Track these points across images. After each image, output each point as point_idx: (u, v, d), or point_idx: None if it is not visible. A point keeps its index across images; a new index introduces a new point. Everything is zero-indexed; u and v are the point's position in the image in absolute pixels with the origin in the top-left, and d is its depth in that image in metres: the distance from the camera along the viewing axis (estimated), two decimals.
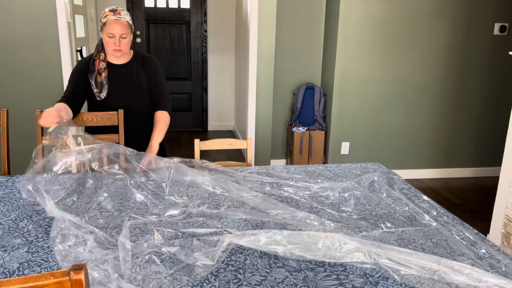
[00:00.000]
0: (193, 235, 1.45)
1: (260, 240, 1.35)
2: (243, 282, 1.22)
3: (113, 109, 2.29)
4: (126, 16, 2.18)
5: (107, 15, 2.16)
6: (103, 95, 2.25)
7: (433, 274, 1.23)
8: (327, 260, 1.31)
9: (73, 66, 3.68)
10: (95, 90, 2.25)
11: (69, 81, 2.26)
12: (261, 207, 1.70)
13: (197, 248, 1.36)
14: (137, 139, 2.33)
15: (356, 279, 1.24)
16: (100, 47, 2.27)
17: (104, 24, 2.16)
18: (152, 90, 2.37)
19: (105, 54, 2.27)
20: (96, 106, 2.33)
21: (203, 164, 2.14)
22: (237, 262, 1.31)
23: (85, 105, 2.40)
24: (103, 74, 2.23)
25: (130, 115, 2.31)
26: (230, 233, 1.46)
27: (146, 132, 2.32)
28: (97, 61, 2.24)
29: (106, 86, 2.24)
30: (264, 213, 1.65)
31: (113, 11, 2.16)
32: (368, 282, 1.23)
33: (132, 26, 2.24)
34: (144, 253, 1.32)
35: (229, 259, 1.33)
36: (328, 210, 1.71)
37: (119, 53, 2.22)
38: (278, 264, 1.30)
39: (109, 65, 2.28)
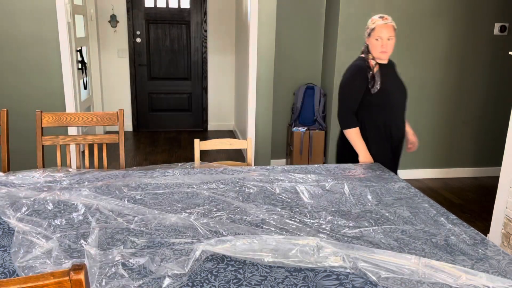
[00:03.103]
0: (165, 244, 1.40)
1: (235, 247, 1.31)
2: (243, 282, 1.22)
3: (382, 103, 2.43)
4: (392, 22, 2.39)
5: (375, 21, 2.39)
6: (376, 87, 2.39)
7: (414, 275, 1.23)
8: (304, 265, 1.28)
9: (73, 66, 3.69)
10: (370, 85, 2.40)
11: (354, 90, 2.42)
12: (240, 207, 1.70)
13: (168, 257, 1.30)
14: (398, 126, 2.51)
15: (356, 279, 1.24)
16: (368, 50, 2.45)
17: (373, 29, 2.38)
18: None
19: (373, 57, 2.44)
20: (369, 100, 2.42)
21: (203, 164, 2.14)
22: (237, 262, 1.31)
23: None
24: (375, 69, 2.41)
25: (396, 109, 2.49)
26: (203, 241, 1.39)
27: (404, 120, 2.57)
28: (370, 60, 2.43)
29: (378, 80, 2.40)
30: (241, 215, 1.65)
31: (381, 17, 2.39)
32: (368, 282, 1.23)
33: (396, 31, 2.42)
34: (110, 264, 1.26)
35: (228, 259, 1.33)
36: (329, 209, 1.71)
37: (385, 54, 2.40)
38: (278, 264, 1.30)
39: (378, 65, 2.45)
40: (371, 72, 2.40)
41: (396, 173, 2.56)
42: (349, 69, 2.49)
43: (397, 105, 2.48)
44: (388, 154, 2.50)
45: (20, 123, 3.52)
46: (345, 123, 2.44)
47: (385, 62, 2.46)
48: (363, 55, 2.47)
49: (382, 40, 2.36)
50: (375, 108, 2.43)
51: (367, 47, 2.44)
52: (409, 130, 2.68)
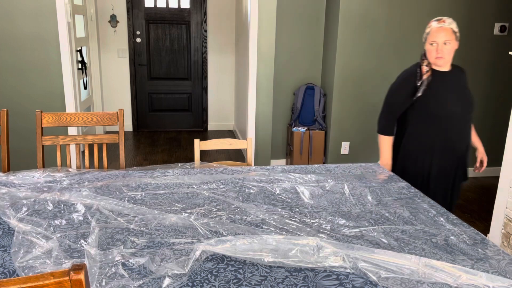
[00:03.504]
0: (165, 244, 1.40)
1: (235, 247, 1.31)
2: (243, 282, 1.22)
3: (432, 113, 2.23)
4: (451, 24, 2.19)
5: (430, 25, 2.21)
6: (418, 93, 2.22)
7: (414, 275, 1.23)
8: (304, 265, 1.28)
9: (73, 66, 3.69)
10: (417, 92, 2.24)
11: (397, 98, 2.30)
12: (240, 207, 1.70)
13: (168, 257, 1.31)
14: (453, 141, 2.28)
15: (356, 279, 1.24)
16: (424, 56, 2.28)
17: (428, 33, 2.21)
18: None
19: (428, 63, 2.26)
20: (417, 109, 2.27)
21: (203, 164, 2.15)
22: (237, 262, 1.31)
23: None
24: (424, 76, 2.22)
25: (451, 121, 2.26)
26: (203, 241, 1.40)
27: (465, 135, 2.32)
28: (423, 66, 2.25)
29: (421, 88, 2.22)
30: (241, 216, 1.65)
31: (438, 20, 2.21)
32: (368, 282, 1.23)
33: (457, 34, 2.20)
34: (110, 264, 1.27)
35: (228, 259, 1.33)
36: (329, 209, 1.72)
37: (441, 60, 2.19)
38: (278, 264, 1.30)
39: (433, 72, 2.25)
40: (420, 80, 2.22)
41: (452, 200, 2.36)
42: (400, 74, 2.36)
43: (452, 117, 2.23)
44: (434, 171, 2.28)
45: (20, 123, 3.52)
46: (380, 128, 2.37)
47: (445, 69, 2.25)
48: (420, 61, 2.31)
49: (437, 45, 2.17)
50: (424, 118, 2.25)
51: (424, 53, 2.27)
52: (478, 145, 2.44)
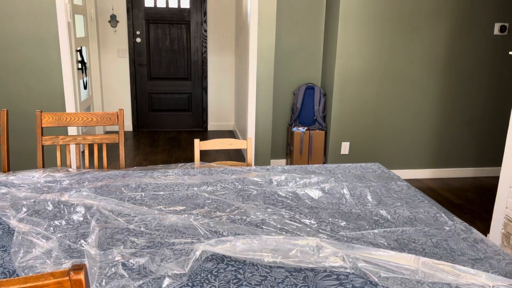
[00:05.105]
0: (165, 244, 1.40)
1: (235, 247, 1.31)
2: (243, 282, 1.22)
3: None
4: None
5: None
6: None
7: (414, 275, 1.23)
8: (304, 266, 1.28)
9: (73, 66, 3.69)
10: None
11: None
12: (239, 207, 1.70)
13: (168, 257, 1.31)
14: None
15: (356, 279, 1.24)
16: None
17: None
18: None
19: None
20: None
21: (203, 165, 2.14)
22: (237, 262, 1.31)
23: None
24: None
25: None
26: (203, 241, 1.40)
27: None
28: None
29: None
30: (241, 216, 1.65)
31: None
32: (368, 282, 1.23)
33: None
34: (110, 264, 1.27)
35: (228, 259, 1.33)
36: (329, 210, 1.71)
37: None
38: (278, 264, 1.30)
39: None
40: None
41: None
42: None
43: None
44: None
45: (20, 123, 3.52)
46: None
47: None
48: None
49: None
50: None
51: None
52: None
